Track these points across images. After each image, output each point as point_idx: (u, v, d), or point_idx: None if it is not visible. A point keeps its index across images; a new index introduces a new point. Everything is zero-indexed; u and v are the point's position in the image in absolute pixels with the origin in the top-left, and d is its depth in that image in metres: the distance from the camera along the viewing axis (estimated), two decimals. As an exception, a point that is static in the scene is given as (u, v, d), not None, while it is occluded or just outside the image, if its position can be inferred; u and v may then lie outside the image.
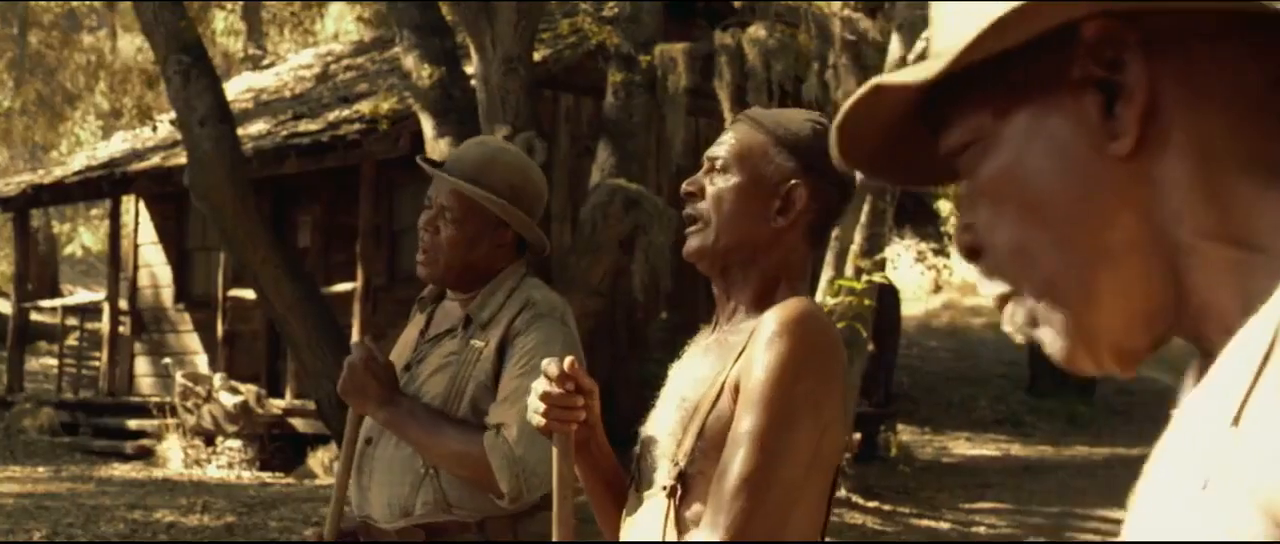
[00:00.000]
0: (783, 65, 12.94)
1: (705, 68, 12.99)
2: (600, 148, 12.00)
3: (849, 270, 12.32)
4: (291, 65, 21.15)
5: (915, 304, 28.08)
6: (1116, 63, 0.97)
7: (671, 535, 2.29)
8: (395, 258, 15.10)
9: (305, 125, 14.85)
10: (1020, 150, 1.03)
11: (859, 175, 1.24)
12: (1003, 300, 1.06)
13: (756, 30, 12.86)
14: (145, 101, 17.82)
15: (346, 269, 14.50)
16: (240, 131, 13.60)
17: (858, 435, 14.76)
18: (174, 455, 14.42)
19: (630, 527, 2.41)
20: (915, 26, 12.62)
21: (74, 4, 29.67)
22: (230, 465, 14.03)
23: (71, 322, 20.05)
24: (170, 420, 14.66)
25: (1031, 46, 0.97)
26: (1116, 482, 15.00)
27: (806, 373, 2.22)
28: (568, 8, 15.01)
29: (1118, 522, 11.72)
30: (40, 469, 13.67)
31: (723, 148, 2.44)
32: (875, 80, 1.02)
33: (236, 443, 14.11)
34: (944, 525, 12.47)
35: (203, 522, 10.79)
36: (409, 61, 11.85)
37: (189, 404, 14.43)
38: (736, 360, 2.28)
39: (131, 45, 28.80)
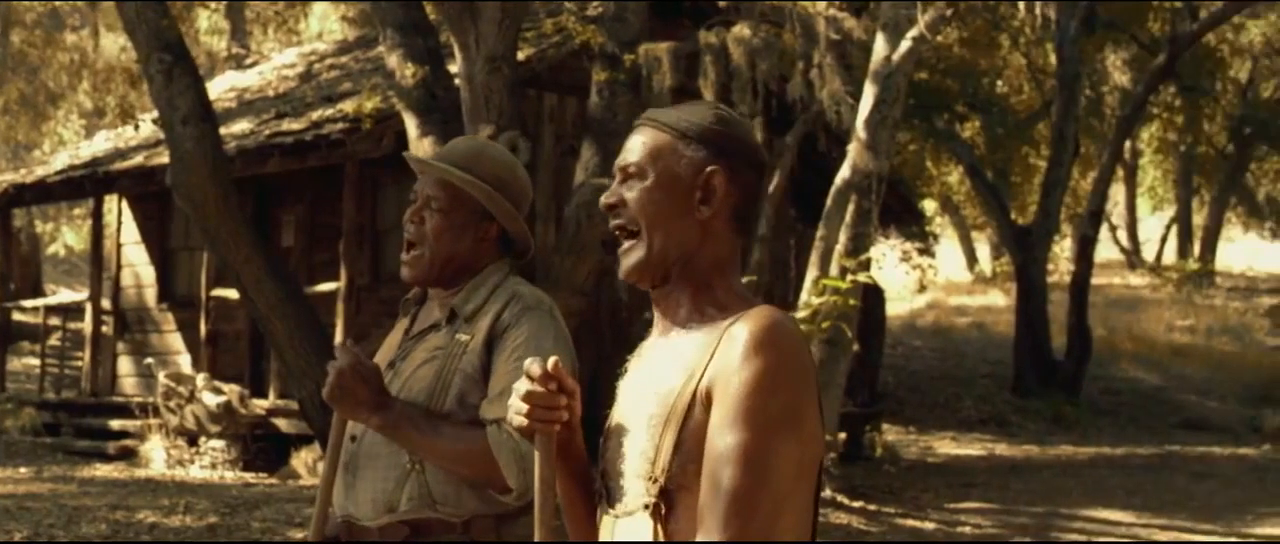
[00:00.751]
0: (767, 64, 12.94)
1: (690, 67, 12.97)
2: (584, 147, 11.97)
3: (834, 270, 12.31)
4: (275, 64, 21.09)
5: (900, 304, 28.11)
6: None
7: None
8: (379, 258, 15.06)
9: (289, 124, 14.80)
10: None
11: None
12: None
13: (741, 29, 12.85)
14: (129, 101, 17.73)
15: (330, 269, 14.46)
16: (223, 131, 13.54)
17: (843, 435, 14.76)
18: (157, 456, 14.36)
19: None
20: (900, 26, 12.61)
21: (57, 3, 29.56)
22: (213, 466, 13.98)
23: (54, 321, 19.97)
24: (153, 421, 14.60)
25: None
26: (1102, 482, 15.05)
27: (786, 384, 2.21)
28: (552, 7, 14.97)
29: (1102, 521, 11.76)
30: (22, 470, 13.60)
31: (632, 154, 2.43)
32: None
33: (219, 443, 14.07)
34: (929, 525, 12.46)
35: (185, 522, 10.74)
36: (393, 60, 11.81)
37: (172, 404, 14.37)
38: (704, 371, 2.25)
39: (114, 44, 28.70)
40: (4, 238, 18.61)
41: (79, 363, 18.36)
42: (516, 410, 2.43)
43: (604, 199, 2.45)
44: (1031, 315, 22.02)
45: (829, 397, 12.75)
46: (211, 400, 14.02)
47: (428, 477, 3.32)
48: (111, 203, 17.66)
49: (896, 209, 18.34)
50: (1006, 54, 26.50)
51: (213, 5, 27.26)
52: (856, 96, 12.90)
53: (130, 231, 17.75)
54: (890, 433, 17.78)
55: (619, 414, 2.42)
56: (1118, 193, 36.62)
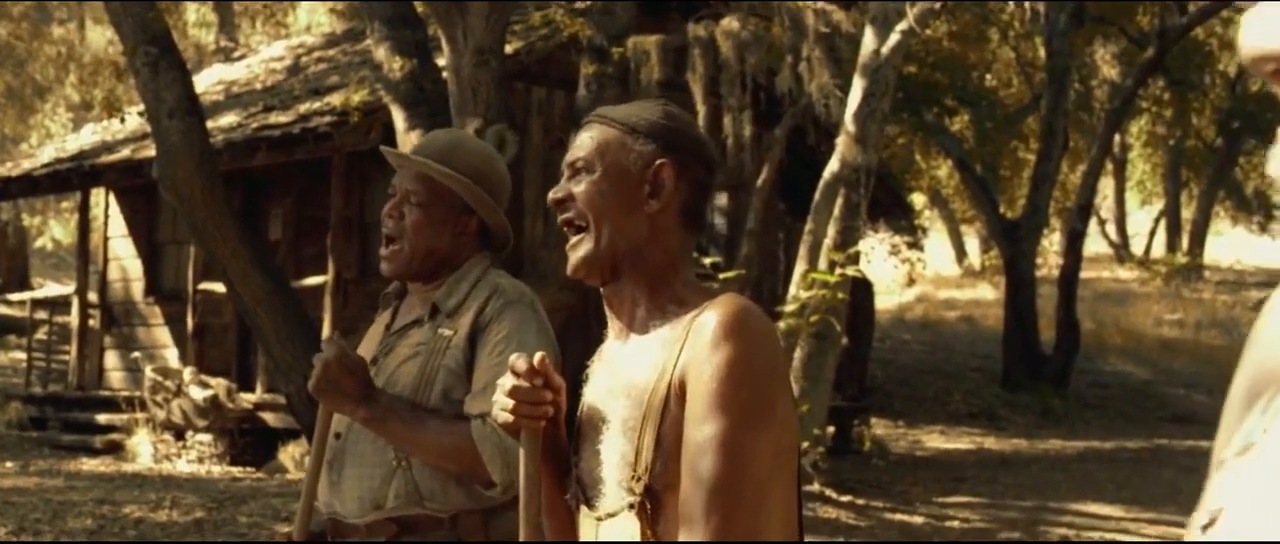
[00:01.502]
0: (756, 58, 12.92)
1: (678, 60, 12.95)
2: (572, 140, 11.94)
3: (823, 263, 12.30)
4: (263, 57, 21.04)
5: (888, 297, 28.10)
6: None
7: None
8: (366, 251, 15.00)
9: (276, 117, 14.75)
10: None
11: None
12: None
13: (730, 22, 12.82)
14: (116, 94, 17.67)
15: (317, 262, 14.42)
16: (211, 124, 13.49)
17: (831, 429, 14.74)
18: (143, 450, 14.32)
19: None
20: (888, 19, 12.60)
21: (44, -3, 29.49)
22: (200, 460, 13.94)
23: (41, 315, 19.92)
24: (140, 415, 14.57)
25: None
26: (1090, 475, 15.06)
27: (758, 371, 2.19)
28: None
29: (1091, 515, 11.75)
30: (8, 464, 13.56)
31: (580, 149, 2.43)
32: None
33: (206, 437, 14.03)
34: (918, 520, 12.45)
35: (172, 517, 10.71)
36: (380, 53, 11.77)
37: (159, 398, 14.33)
38: (675, 364, 2.23)
39: (101, 37, 28.62)
40: (-10, 231, 18.54)
41: (66, 357, 18.30)
42: (502, 406, 2.40)
43: (552, 194, 2.45)
44: (1020, 309, 22.02)
45: (817, 391, 12.74)
46: (198, 394, 13.98)
47: (414, 473, 3.31)
48: (98, 196, 17.61)
49: (885, 203, 18.33)
50: (996, 48, 26.53)
51: (200, -2, 27.20)
52: (845, 90, 12.89)
53: (117, 225, 17.69)
54: (879, 427, 17.79)
55: (588, 419, 2.40)
56: (1106, 186, 36.64)
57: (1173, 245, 36.25)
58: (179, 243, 16.41)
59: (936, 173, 30.46)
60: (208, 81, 19.59)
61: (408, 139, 11.10)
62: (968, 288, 32.58)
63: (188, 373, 14.40)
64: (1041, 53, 24.19)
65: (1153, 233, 38.78)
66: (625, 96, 11.82)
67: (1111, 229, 39.01)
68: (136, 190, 16.75)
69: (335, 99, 13.98)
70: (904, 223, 21.39)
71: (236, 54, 23.28)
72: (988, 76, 27.11)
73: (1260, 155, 34.70)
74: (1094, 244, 33.19)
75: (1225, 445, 0.98)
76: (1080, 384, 22.11)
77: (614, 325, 2.42)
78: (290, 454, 13.34)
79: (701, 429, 2.17)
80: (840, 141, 12.66)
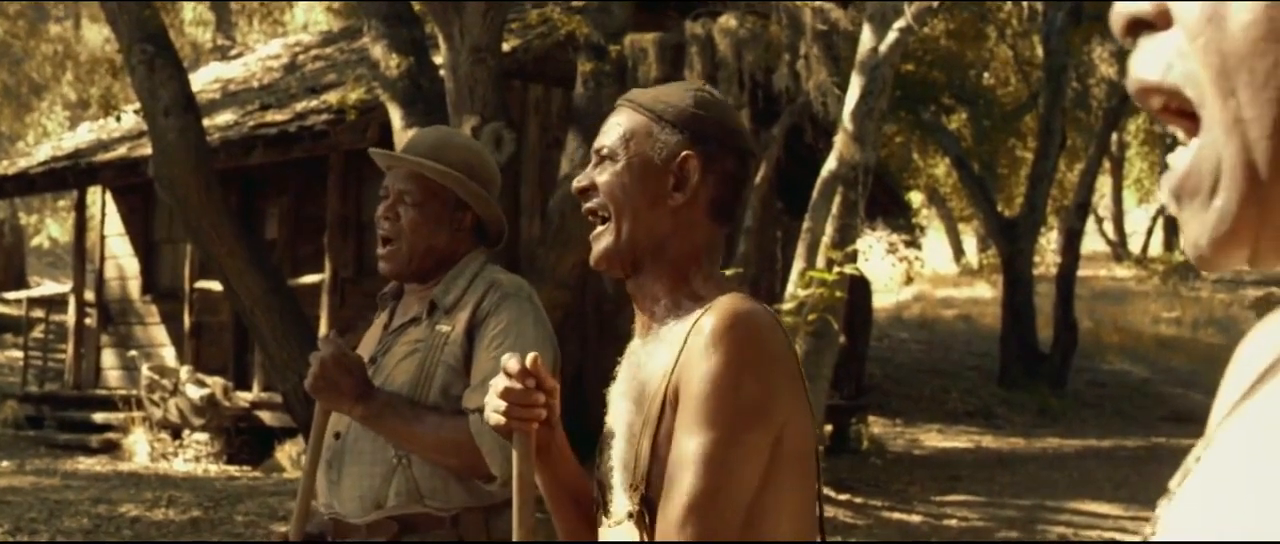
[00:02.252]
0: (754, 56, 12.90)
1: (676, 58, 12.92)
2: (570, 139, 11.91)
3: (820, 262, 12.28)
4: (259, 56, 21.01)
5: (886, 296, 28.10)
6: None
7: None
8: (363, 249, 14.98)
9: (273, 116, 14.73)
10: None
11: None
12: None
13: (727, 20, 12.80)
14: (112, 92, 17.64)
15: (314, 261, 14.40)
16: (207, 122, 13.47)
17: (829, 428, 14.74)
18: (140, 449, 14.30)
19: None
20: (887, 17, 12.57)
21: (40, -5, 29.44)
22: (197, 459, 13.92)
23: (37, 314, 19.90)
24: (136, 413, 14.55)
25: None
26: (1088, 474, 15.04)
27: (746, 379, 2.12)
28: (538, -3, 14.92)
29: (1089, 513, 11.75)
30: (4, 463, 13.53)
31: (607, 136, 2.35)
32: None
33: (203, 436, 14.01)
34: (915, 518, 12.44)
35: (168, 516, 10.69)
36: (377, 51, 11.74)
37: (155, 397, 14.31)
38: (672, 371, 2.17)
39: (98, 35, 28.60)
40: (-13, 230, 18.52)
41: (62, 355, 18.28)
42: (494, 408, 2.36)
43: (576, 182, 2.37)
44: (1018, 308, 22.02)
45: (815, 389, 12.71)
46: (195, 393, 13.96)
47: (414, 471, 3.30)
48: (95, 194, 17.59)
49: (883, 201, 18.31)
50: (993, 46, 26.51)
51: (197, -4, 27.17)
52: (843, 88, 12.87)
53: (114, 223, 17.67)
54: (876, 425, 17.78)
55: (608, 423, 2.34)
56: (1104, 185, 36.64)
57: (1170, 244, 36.24)
58: (175, 241, 16.38)
59: (934, 171, 30.47)
60: (204, 80, 19.56)
61: (404, 137, 11.07)
62: (965, 286, 32.58)
63: (184, 371, 14.38)
64: (1039, 51, 24.19)
65: (1150, 231, 38.78)
66: (622, 95, 11.80)
67: (1109, 227, 39.02)
68: (133, 189, 16.73)
69: (332, 97, 13.96)
70: (902, 221, 21.38)
71: (233, 52, 23.25)
72: (985, 75, 27.10)
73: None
74: (1092, 242, 33.18)
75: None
76: (1078, 383, 22.11)
77: (638, 320, 2.35)
78: (287, 453, 13.32)
79: (685, 442, 2.11)
80: (838, 140, 12.64)
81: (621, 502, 2.23)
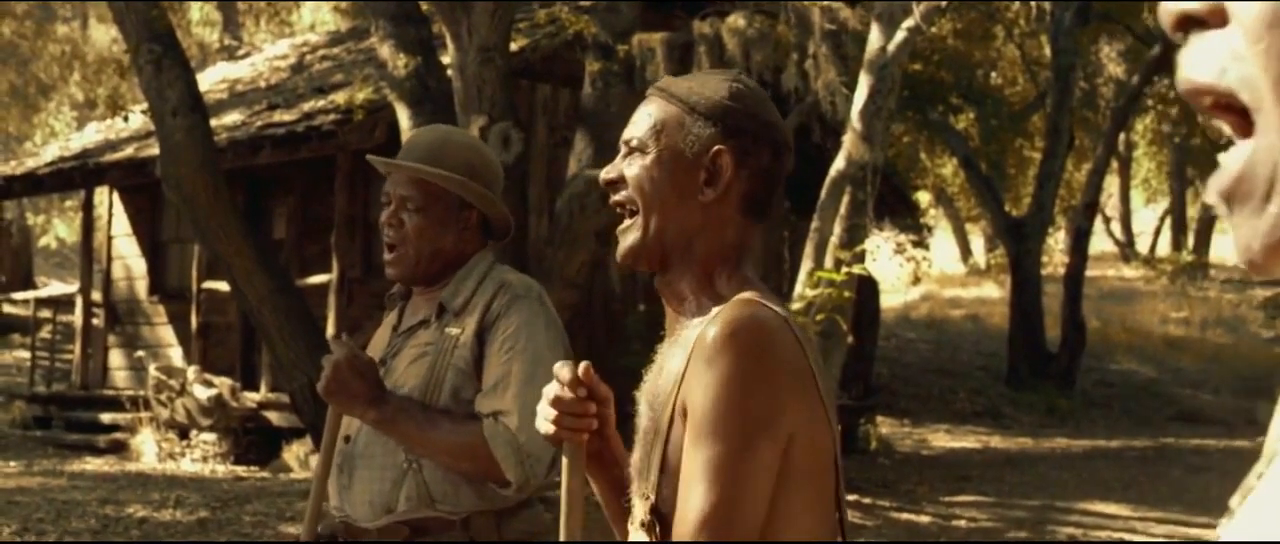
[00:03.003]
0: (762, 55, 12.86)
1: (684, 57, 12.89)
2: (578, 138, 11.90)
3: (828, 262, 12.25)
4: (267, 56, 21.01)
5: (894, 296, 28.08)
6: None
7: None
8: (370, 250, 14.97)
9: (280, 116, 14.72)
10: None
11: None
12: None
13: (735, 20, 12.77)
14: (119, 92, 17.65)
15: (321, 261, 14.39)
16: (215, 122, 13.45)
17: (837, 428, 14.70)
18: (147, 449, 14.29)
19: None
20: (895, 17, 12.55)
21: (47, -5, 29.46)
22: (204, 459, 13.91)
23: (45, 314, 19.89)
24: (144, 414, 14.54)
25: None
26: (1097, 474, 15.01)
27: (753, 387, 2.03)
28: (545, -3, 14.91)
29: (1098, 514, 11.70)
30: (11, 464, 13.53)
31: (637, 127, 2.26)
32: None
33: (210, 437, 14.00)
34: (924, 519, 12.41)
35: (176, 517, 10.68)
36: (385, 51, 11.73)
37: (163, 397, 14.30)
38: (681, 380, 2.10)
39: (105, 35, 28.59)
40: (-6, 230, 18.52)
41: (70, 356, 18.28)
42: (544, 416, 2.29)
43: (604, 173, 2.29)
44: (1025, 308, 21.98)
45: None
46: (202, 393, 13.95)
47: (426, 475, 3.27)
48: (102, 195, 17.59)
49: (891, 201, 18.28)
50: (1001, 46, 26.47)
51: (204, -4, 27.18)
52: (851, 87, 12.84)
53: (121, 224, 17.67)
54: (884, 426, 17.75)
55: (638, 425, 2.26)
56: (1112, 185, 36.61)
57: (1178, 243, 36.21)
58: (183, 241, 16.38)
59: (942, 171, 30.42)
60: (212, 80, 19.56)
61: (412, 137, 11.06)
62: (973, 286, 32.54)
63: (192, 372, 14.37)
64: (1047, 51, 24.14)
65: (1158, 231, 38.73)
66: (630, 95, 11.79)
67: (1117, 227, 38.95)
68: (140, 189, 16.73)
69: (339, 97, 13.95)
70: (909, 221, 21.35)
71: (240, 52, 23.25)
72: (993, 74, 27.06)
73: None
74: (1099, 242, 33.14)
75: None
76: (1086, 383, 22.07)
77: (667, 317, 2.27)
78: (294, 453, 13.31)
79: (694, 456, 2.04)
80: (846, 139, 12.61)
81: (639, 507, 2.18)
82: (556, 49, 13.86)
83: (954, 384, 21.63)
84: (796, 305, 11.94)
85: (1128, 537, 11.90)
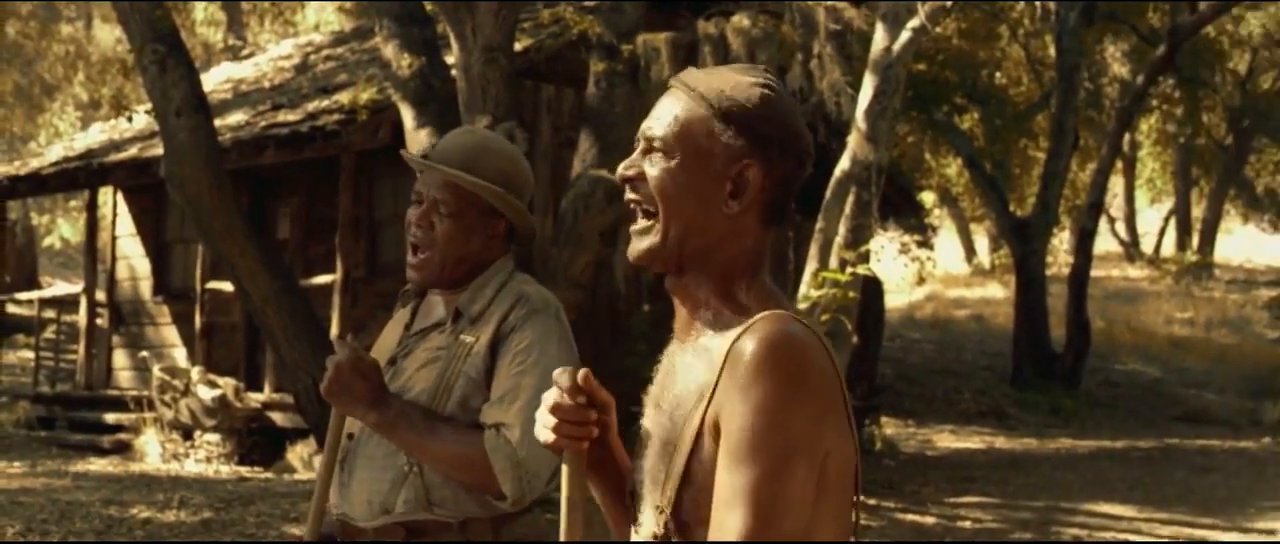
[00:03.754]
0: (767, 55, 12.84)
1: (688, 57, 12.87)
2: (582, 138, 11.88)
3: (833, 262, 12.23)
4: (271, 56, 21.00)
5: (898, 296, 28.05)
6: None
7: None
8: (375, 250, 14.96)
9: (284, 116, 14.70)
10: None
11: None
12: None
13: (740, 19, 12.75)
14: (124, 92, 17.65)
15: (326, 261, 14.37)
16: (219, 122, 13.45)
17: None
18: (151, 450, 14.29)
19: None
20: (900, 16, 12.53)
21: (52, -5, 29.47)
22: (208, 460, 13.90)
23: (49, 314, 19.90)
24: (148, 414, 14.53)
25: None
26: (1102, 475, 14.99)
27: (794, 409, 1.99)
28: (549, -3, 14.89)
29: (1103, 515, 11.67)
30: (15, 464, 13.52)
31: (660, 125, 2.16)
32: None
33: (214, 437, 13.99)
34: (929, 520, 12.39)
35: (180, 517, 10.66)
36: (389, 51, 11.72)
37: (167, 398, 14.29)
38: (712, 394, 2.04)
39: (110, 35, 28.61)
40: (-1, 230, 18.53)
41: (74, 356, 18.28)
42: (543, 423, 2.23)
43: (621, 170, 2.20)
44: (1030, 308, 21.96)
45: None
46: (206, 394, 13.94)
47: (426, 479, 3.25)
48: (106, 195, 17.60)
49: (895, 201, 18.26)
50: (1006, 46, 26.46)
51: (208, -3, 27.18)
52: (856, 87, 12.82)
53: (125, 224, 17.67)
54: (889, 426, 17.72)
55: (643, 429, 2.20)
56: (1116, 185, 36.56)
57: (1183, 244, 36.17)
58: (187, 242, 16.38)
59: (946, 171, 30.40)
60: (216, 80, 19.55)
61: (417, 137, 11.05)
62: (977, 286, 32.52)
63: (196, 372, 14.36)
64: (1051, 51, 24.13)
65: (1163, 231, 38.69)
66: (635, 94, 11.77)
67: (1121, 227, 38.92)
68: (144, 189, 16.72)
69: (344, 97, 13.93)
70: (914, 221, 21.33)
71: (244, 52, 23.25)
72: (998, 74, 27.03)
73: (1271, 153, 34.63)
74: (1104, 242, 33.10)
75: None
76: (1091, 383, 22.04)
77: (678, 319, 2.20)
78: (298, 454, 13.30)
79: (731, 477, 1.98)
80: (851, 139, 12.59)
81: (649, 517, 2.13)
82: (561, 49, 13.84)
83: (958, 384, 21.60)
84: (801, 306, 11.92)
85: (1133, 538, 11.87)
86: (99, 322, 17.20)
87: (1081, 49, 22.50)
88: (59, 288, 22.00)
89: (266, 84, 18.06)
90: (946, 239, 35.85)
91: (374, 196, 14.88)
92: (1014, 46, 26.60)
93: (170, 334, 16.87)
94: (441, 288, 3.41)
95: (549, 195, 13.44)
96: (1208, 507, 13.21)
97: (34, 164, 18.25)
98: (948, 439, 18.07)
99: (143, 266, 17.38)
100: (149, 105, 12.79)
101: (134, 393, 15.43)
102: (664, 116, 2.17)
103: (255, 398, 14.33)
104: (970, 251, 37.62)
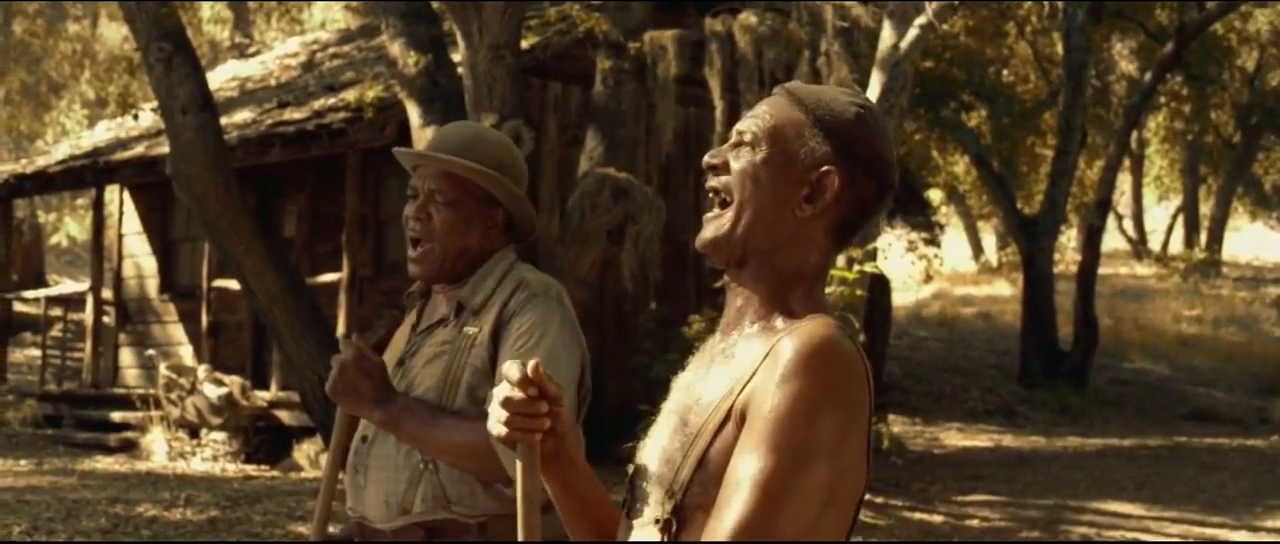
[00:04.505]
0: (774, 52, 12.82)
1: (695, 55, 12.86)
2: (589, 136, 11.86)
3: (840, 260, 12.21)
4: (277, 54, 21.00)
5: (905, 294, 28.02)
6: None
7: None
8: (381, 248, 14.96)
9: (290, 114, 14.70)
10: None
11: None
12: None
13: (747, 17, 12.74)
14: (130, 90, 17.65)
15: (332, 259, 14.36)
16: (225, 120, 13.45)
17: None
18: (158, 448, 14.27)
19: None
20: (907, 14, 12.50)
21: (59, -7, 29.49)
22: (214, 458, 13.89)
23: (55, 312, 19.88)
24: (154, 413, 14.52)
25: None
26: (1110, 473, 14.95)
27: (826, 411, 1.99)
28: (556, -5, 14.87)
29: (1112, 513, 11.64)
30: (22, 462, 13.51)
31: (754, 121, 2.20)
32: None
33: (221, 435, 13.98)
34: (937, 518, 12.36)
35: (186, 516, 10.65)
36: (395, 49, 11.71)
37: (173, 396, 14.29)
38: (746, 384, 2.04)
39: (116, 34, 28.62)
40: (5, 228, 18.52)
41: (80, 354, 18.27)
42: (495, 418, 2.21)
43: (708, 157, 2.23)
44: (1038, 305, 21.92)
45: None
46: (213, 392, 13.93)
47: (442, 477, 3.23)
48: (113, 193, 17.58)
49: (902, 199, 18.24)
50: (1013, 43, 26.40)
51: (215, -5, 27.19)
52: (863, 85, 12.80)
53: (132, 222, 17.67)
54: (896, 424, 17.69)
55: (661, 416, 2.21)
56: (1124, 182, 36.51)
57: (1191, 241, 36.10)
58: (193, 240, 16.37)
59: (954, 169, 30.35)
60: (222, 78, 19.56)
61: (423, 135, 11.03)
62: (985, 284, 32.47)
63: (202, 370, 14.35)
64: (1059, 48, 24.07)
65: (1170, 229, 38.63)
66: (641, 92, 11.75)
67: (1129, 225, 38.86)
68: (151, 187, 16.72)
69: (350, 95, 13.93)
70: (921, 219, 21.30)
71: (251, 50, 23.25)
72: (1005, 72, 26.98)
73: (1279, 150, 34.57)
74: (1112, 240, 33.06)
75: None
76: (1099, 381, 21.99)
77: (726, 313, 2.21)
78: (305, 452, 13.29)
79: (746, 463, 1.98)
80: (858, 137, 12.57)
81: (656, 500, 2.11)
82: (567, 47, 13.82)
83: (966, 382, 21.57)
84: (808, 304, 11.88)
85: (1141, 536, 11.84)
86: (105, 320, 17.20)
87: (1089, 46, 22.44)
88: (65, 286, 21.96)
89: (272, 82, 18.06)
90: (954, 237, 35.82)
91: (380, 195, 14.87)
92: (1021, 44, 26.55)
93: (176, 332, 16.87)
94: (444, 281, 3.39)
95: (555, 193, 13.42)
96: (1216, 505, 13.17)
97: (40, 162, 18.26)
98: (955, 437, 18.04)
99: (149, 265, 17.38)
100: (155, 103, 12.79)
101: (140, 391, 15.42)
102: (761, 114, 2.21)
103: (261, 396, 14.32)
104: (977, 249, 37.57)
